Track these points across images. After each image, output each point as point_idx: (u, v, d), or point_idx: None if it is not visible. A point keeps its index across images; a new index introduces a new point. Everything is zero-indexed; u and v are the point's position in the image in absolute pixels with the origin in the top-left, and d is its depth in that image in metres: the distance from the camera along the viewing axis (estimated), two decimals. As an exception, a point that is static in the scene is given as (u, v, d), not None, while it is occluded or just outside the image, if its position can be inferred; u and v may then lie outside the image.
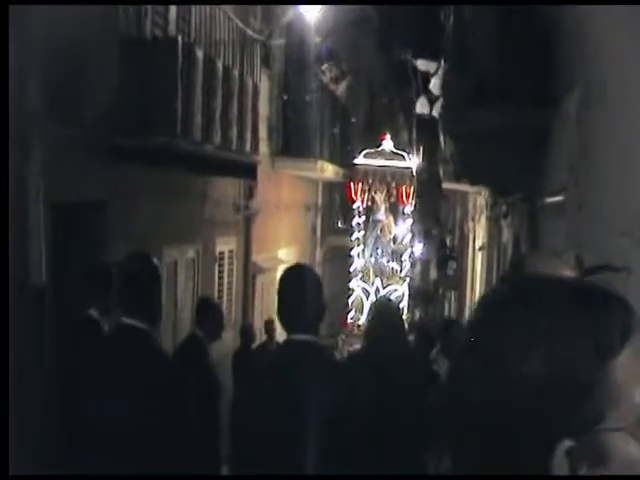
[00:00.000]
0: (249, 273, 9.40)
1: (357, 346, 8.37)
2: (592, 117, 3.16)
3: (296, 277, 2.89)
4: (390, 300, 5.03)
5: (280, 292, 2.86)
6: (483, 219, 9.04)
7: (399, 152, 12.94)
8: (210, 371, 4.80)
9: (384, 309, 4.15)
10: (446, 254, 14.49)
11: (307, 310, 2.75)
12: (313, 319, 2.79)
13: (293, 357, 2.72)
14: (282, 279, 2.91)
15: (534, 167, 4.74)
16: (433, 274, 17.13)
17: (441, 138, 7.15)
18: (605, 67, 2.98)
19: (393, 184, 12.29)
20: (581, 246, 2.58)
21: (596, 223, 2.79)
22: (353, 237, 12.44)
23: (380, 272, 12.31)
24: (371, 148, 12.80)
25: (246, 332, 7.50)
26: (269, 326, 7.99)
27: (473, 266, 10.61)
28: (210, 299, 6.00)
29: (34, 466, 3.13)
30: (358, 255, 12.30)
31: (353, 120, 13.05)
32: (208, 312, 5.38)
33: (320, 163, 11.28)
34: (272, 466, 2.58)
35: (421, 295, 13.90)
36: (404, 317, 11.56)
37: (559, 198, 3.73)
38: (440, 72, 8.89)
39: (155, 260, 3.25)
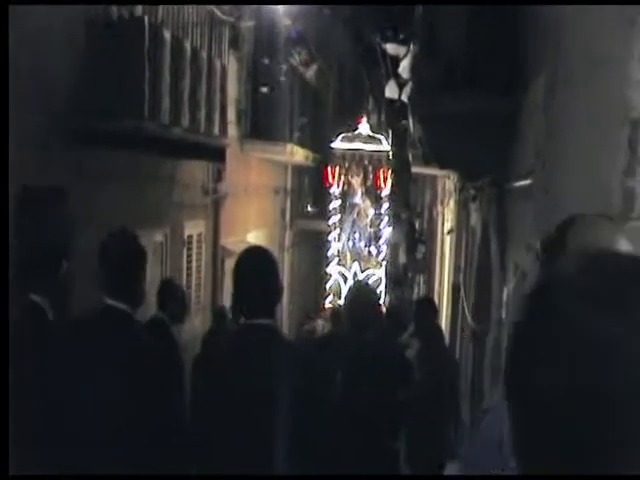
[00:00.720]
0: (218, 257, 9.37)
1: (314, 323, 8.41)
2: (558, 102, 3.19)
3: (251, 260, 2.83)
4: (367, 284, 5.05)
5: (235, 276, 2.80)
6: (452, 203, 9.10)
7: (376, 136, 12.90)
8: (174, 354, 4.77)
9: (361, 293, 4.14)
10: (415, 238, 14.57)
11: (264, 294, 2.72)
12: (270, 303, 2.76)
13: (251, 342, 2.68)
14: (237, 263, 2.85)
15: (502, 151, 4.77)
16: (403, 258, 17.23)
17: (410, 122, 7.17)
18: (570, 52, 3.00)
19: (370, 168, 12.26)
20: (548, 229, 2.61)
21: (562, 206, 2.82)
22: (330, 221, 12.39)
23: (358, 256, 12.31)
24: (346, 131, 12.75)
25: (218, 313, 7.48)
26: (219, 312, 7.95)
27: (442, 250, 10.69)
28: (172, 281, 5.98)
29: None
30: (335, 239, 12.26)
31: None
32: (171, 294, 5.36)
33: (290, 146, 11.24)
34: (235, 452, 2.56)
35: (392, 279, 13.97)
36: (381, 301, 11.61)
37: (526, 182, 3.77)
38: (409, 56, 8.87)
39: (140, 241, 3.19)
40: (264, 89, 11.12)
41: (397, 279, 14.04)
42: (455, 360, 6.35)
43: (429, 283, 12.53)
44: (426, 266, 12.95)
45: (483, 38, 4.85)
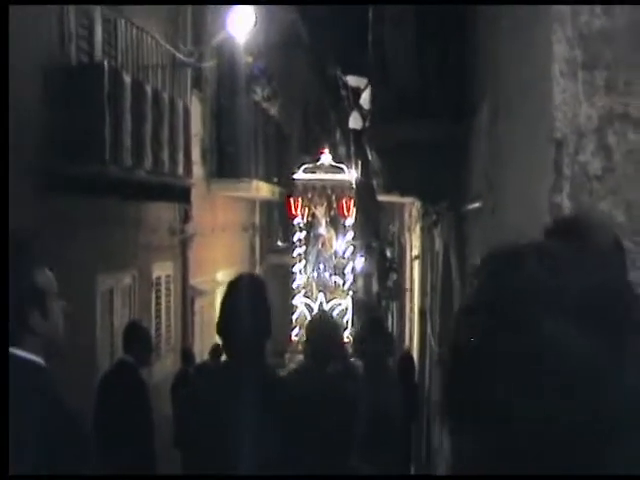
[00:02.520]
0: (187, 297, 9.37)
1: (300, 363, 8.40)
2: (499, 127, 3.31)
3: (240, 291, 2.67)
4: (327, 315, 5.02)
5: (223, 308, 2.67)
6: (418, 229, 9.23)
7: (338, 165, 13.05)
8: (142, 395, 4.77)
9: (321, 324, 4.12)
10: (386, 266, 14.68)
11: (252, 328, 2.58)
12: (259, 337, 2.63)
13: (236, 378, 2.57)
14: (226, 293, 2.70)
15: (455, 177, 4.90)
16: (375, 287, 17.33)
17: (368, 152, 7.32)
18: (506, 78, 3.13)
19: (333, 197, 12.34)
20: (493, 249, 2.70)
21: (505, 226, 2.92)
22: (295, 253, 12.42)
23: (323, 287, 12.34)
24: (308, 163, 12.88)
25: (186, 354, 7.47)
26: (215, 352, 7.92)
27: (411, 276, 10.80)
28: (138, 323, 5.98)
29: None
30: (300, 271, 12.28)
31: (283, 145, 13.07)
32: (137, 337, 5.36)
33: (255, 183, 11.34)
34: None
35: (364, 308, 14.03)
36: (345, 331, 11.61)
37: (477, 205, 3.88)
38: (369, 87, 9.06)
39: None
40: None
41: (369, 309, 14.11)
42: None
43: (401, 310, 12.61)
44: (398, 293, 13.05)
45: (432, 68, 5.00)
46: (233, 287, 2.70)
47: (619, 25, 2.20)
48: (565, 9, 2.29)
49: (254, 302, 2.61)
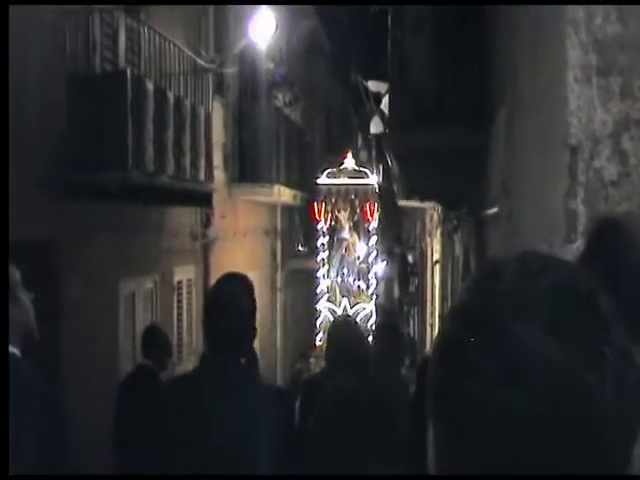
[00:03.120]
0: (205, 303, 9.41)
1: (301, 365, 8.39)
2: (516, 133, 3.32)
3: (226, 290, 2.62)
4: (349, 316, 4.97)
5: (206, 306, 2.64)
6: (438, 234, 9.22)
7: (362, 169, 13.02)
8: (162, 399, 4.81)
9: (342, 327, 4.09)
10: (408, 271, 14.64)
11: (235, 328, 2.51)
12: (242, 337, 2.56)
13: (216, 376, 2.52)
14: (212, 291, 2.66)
15: (475, 182, 4.90)
16: (396, 292, 17.29)
17: (387, 157, 7.33)
18: (523, 84, 3.14)
19: (357, 202, 12.31)
20: (509, 254, 2.70)
21: (520, 231, 2.92)
22: (318, 258, 12.41)
23: (347, 291, 12.28)
24: (332, 167, 12.88)
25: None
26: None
27: (432, 281, 10.78)
28: (157, 328, 6.02)
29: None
30: (324, 276, 12.27)
31: (305, 150, 13.11)
32: (156, 341, 5.39)
33: (277, 187, 11.39)
34: None
35: (384, 313, 14.02)
36: (369, 336, 11.58)
37: (494, 210, 3.88)
38: (390, 93, 9.07)
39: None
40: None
41: (391, 313, 14.07)
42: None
43: (422, 315, 12.57)
44: (419, 298, 13.00)
45: (450, 75, 5.02)
46: (218, 286, 2.69)
47: (633, 31, 2.21)
48: (579, 14, 2.30)
49: (239, 301, 2.58)
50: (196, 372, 2.70)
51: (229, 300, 2.56)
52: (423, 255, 12.82)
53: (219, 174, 9.85)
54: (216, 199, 9.09)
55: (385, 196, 13.82)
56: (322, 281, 12.24)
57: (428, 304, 11.29)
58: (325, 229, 12.36)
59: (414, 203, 8.29)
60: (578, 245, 1.56)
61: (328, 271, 12.31)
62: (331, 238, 12.40)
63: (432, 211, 10.11)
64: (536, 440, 0.59)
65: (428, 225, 11.32)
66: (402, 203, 9.60)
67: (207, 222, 9.64)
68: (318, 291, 12.24)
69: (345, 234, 12.52)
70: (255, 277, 12.01)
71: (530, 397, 0.60)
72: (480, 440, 0.61)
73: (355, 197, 12.34)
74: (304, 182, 13.11)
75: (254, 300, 2.65)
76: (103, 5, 6.65)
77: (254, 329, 2.65)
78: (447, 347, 0.66)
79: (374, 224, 12.43)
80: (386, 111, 10.24)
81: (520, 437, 0.60)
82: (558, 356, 0.60)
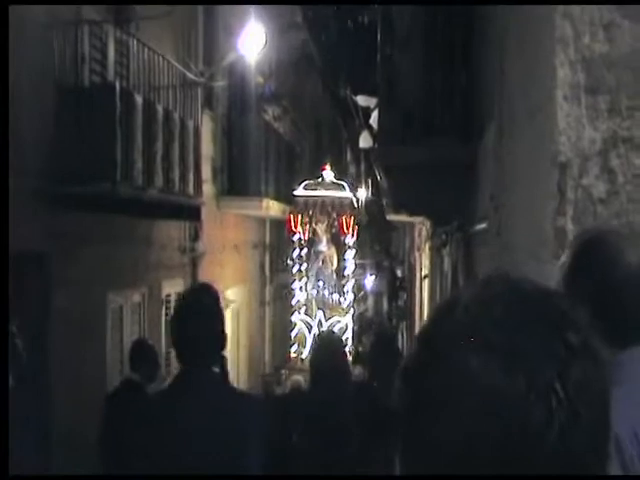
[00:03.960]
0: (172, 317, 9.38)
1: (297, 377, 8.38)
2: (505, 149, 3.34)
3: (192, 302, 2.61)
4: (333, 333, 4.96)
5: (174, 319, 2.63)
6: (427, 249, 9.24)
7: (339, 182, 13.00)
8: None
9: (326, 343, 4.10)
10: (396, 285, 14.65)
11: (204, 339, 2.51)
12: (211, 349, 2.55)
13: (189, 390, 2.50)
14: (177, 304, 2.65)
15: (463, 197, 4.92)
16: (386, 306, 17.29)
17: (376, 171, 7.36)
18: (513, 102, 3.16)
19: (334, 214, 12.27)
20: (499, 270, 2.71)
21: (510, 247, 2.93)
22: (294, 270, 12.35)
23: (323, 304, 12.24)
24: (309, 179, 12.87)
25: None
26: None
27: (421, 295, 10.79)
28: (144, 342, 5.99)
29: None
30: (300, 288, 12.20)
31: (294, 164, 13.17)
32: (143, 355, 5.37)
33: (266, 201, 11.39)
34: None
35: (373, 327, 14.01)
36: (347, 349, 11.55)
37: (483, 226, 3.89)
38: (379, 107, 9.11)
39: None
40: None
41: (377, 326, 14.06)
42: None
43: (410, 329, 12.57)
44: (407, 313, 13.00)
45: (440, 90, 5.04)
46: (186, 298, 2.70)
47: (620, 50, 2.23)
48: (567, 32, 2.32)
49: (207, 311, 2.58)
50: (172, 386, 2.66)
51: (197, 311, 2.56)
52: (412, 270, 12.83)
53: (208, 188, 9.84)
54: (205, 213, 9.08)
55: (374, 210, 13.84)
56: (298, 293, 12.20)
57: (417, 318, 11.30)
58: (303, 241, 12.32)
59: (403, 217, 8.30)
60: (563, 258, 1.57)
61: (305, 284, 12.28)
62: (309, 250, 12.35)
63: (421, 225, 10.13)
64: (491, 464, 0.60)
65: (417, 240, 11.34)
66: (391, 217, 9.62)
67: (195, 236, 9.62)
68: (293, 303, 12.20)
69: (322, 247, 12.47)
70: (244, 291, 11.99)
71: (480, 424, 0.60)
72: (437, 464, 0.62)
73: (332, 210, 12.29)
74: (285, 195, 13.16)
75: (221, 307, 2.66)
76: (92, 19, 6.65)
77: (224, 337, 2.65)
78: (408, 369, 0.67)
79: (351, 238, 12.38)
80: (375, 125, 10.28)
81: (475, 460, 0.60)
82: (506, 390, 0.60)
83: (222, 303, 2.70)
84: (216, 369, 2.63)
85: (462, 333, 0.63)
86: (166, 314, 8.70)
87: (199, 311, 2.55)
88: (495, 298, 0.65)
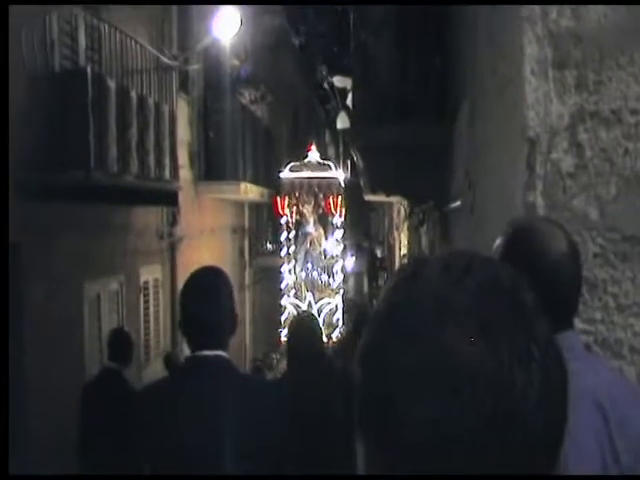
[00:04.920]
0: (176, 301, 9.38)
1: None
2: (478, 127, 3.34)
3: (200, 283, 2.47)
4: (309, 315, 4.93)
5: (182, 301, 2.48)
6: (406, 228, 9.27)
7: (325, 162, 12.93)
8: (131, 400, 4.76)
9: (301, 325, 4.10)
10: (376, 265, 14.68)
11: (214, 322, 2.40)
12: (221, 332, 2.43)
13: (198, 375, 2.40)
14: (184, 286, 2.51)
15: (438, 175, 4.93)
16: (366, 286, 17.36)
17: (352, 152, 7.35)
18: (483, 79, 3.16)
19: (321, 195, 12.19)
20: (473, 247, 2.73)
21: (483, 224, 2.94)
22: (282, 253, 12.28)
23: (312, 286, 12.20)
24: (295, 160, 12.79)
25: (169, 359, 7.45)
26: (169, 359, 7.80)
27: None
28: (122, 330, 5.95)
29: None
30: (289, 271, 12.14)
31: (272, 146, 13.12)
32: (121, 343, 5.34)
33: (244, 185, 11.34)
34: None
35: (355, 308, 14.06)
36: (335, 330, 11.56)
37: (458, 204, 3.90)
38: (353, 88, 9.09)
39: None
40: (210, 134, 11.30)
41: (359, 307, 14.12)
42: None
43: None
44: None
45: (413, 70, 5.03)
46: (194, 281, 2.53)
47: (586, 26, 2.23)
48: (535, 10, 2.32)
49: (217, 295, 2.46)
50: (184, 373, 2.53)
51: (211, 294, 2.45)
52: (391, 249, 12.86)
53: (185, 172, 9.78)
54: (182, 198, 9.03)
55: (352, 191, 13.84)
56: (287, 276, 12.15)
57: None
58: (290, 224, 12.26)
59: (381, 198, 8.32)
60: (496, 245, 1.57)
61: (294, 267, 12.23)
62: (296, 233, 12.30)
63: (399, 205, 10.16)
64: (465, 445, 0.58)
65: (395, 219, 11.37)
66: (369, 198, 9.63)
67: (173, 221, 9.57)
68: (283, 286, 12.14)
69: (310, 228, 12.42)
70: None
71: (457, 403, 0.58)
72: (404, 450, 0.59)
73: (319, 190, 12.22)
74: (271, 179, 13.08)
75: (232, 290, 2.53)
76: (61, 3, 6.54)
77: (237, 319, 2.55)
78: (369, 352, 0.63)
79: (339, 218, 12.33)
80: (352, 106, 10.26)
81: (449, 442, 0.58)
82: (485, 358, 0.58)
83: (231, 283, 2.56)
84: (225, 353, 2.45)
85: (432, 305, 0.60)
86: (145, 301, 8.66)
87: (209, 292, 2.43)
88: (463, 268, 0.63)
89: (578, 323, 2.12)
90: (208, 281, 2.49)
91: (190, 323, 2.44)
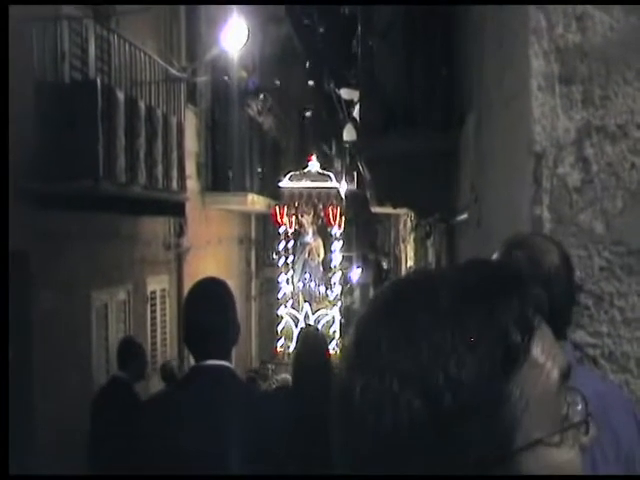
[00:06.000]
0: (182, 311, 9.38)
1: (285, 375, 8.36)
2: (484, 140, 3.35)
3: (204, 293, 2.49)
4: (317, 330, 4.93)
5: (185, 312, 2.50)
6: (412, 240, 9.27)
7: (325, 173, 12.89)
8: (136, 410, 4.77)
9: (309, 339, 4.10)
10: (382, 277, 14.69)
11: (217, 332, 2.40)
12: (225, 342, 2.44)
13: (201, 385, 2.39)
14: (187, 297, 2.54)
15: (445, 188, 4.93)
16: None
17: (359, 164, 7.37)
18: (490, 90, 3.17)
19: (320, 206, 12.16)
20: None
21: (490, 237, 2.95)
22: (280, 263, 12.22)
23: (309, 297, 12.12)
24: (294, 170, 12.78)
25: (165, 370, 7.44)
26: (165, 369, 7.78)
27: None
28: (132, 339, 5.98)
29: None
30: (287, 281, 12.07)
31: (279, 158, 13.15)
32: (130, 353, 5.36)
33: (251, 196, 11.38)
34: None
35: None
36: (331, 345, 11.49)
37: (464, 216, 3.91)
38: (360, 99, 9.11)
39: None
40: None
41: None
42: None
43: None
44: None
45: (420, 81, 5.05)
46: (197, 291, 2.55)
47: (592, 41, 2.25)
48: (542, 23, 2.34)
49: (220, 305, 2.46)
50: (188, 384, 2.54)
51: (213, 304, 2.45)
52: (398, 261, 12.86)
53: (192, 183, 9.82)
54: (189, 208, 9.06)
55: (360, 203, 13.85)
56: (284, 286, 12.09)
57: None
58: (289, 233, 12.21)
59: (387, 210, 8.33)
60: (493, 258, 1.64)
61: (292, 277, 12.16)
62: (295, 242, 12.25)
63: (406, 217, 10.17)
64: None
65: (402, 231, 11.37)
66: (375, 210, 9.64)
67: (180, 232, 9.60)
68: (280, 296, 12.08)
69: (308, 238, 12.36)
70: (229, 286, 11.92)
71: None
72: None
73: (318, 201, 12.16)
74: (277, 190, 13.13)
75: (233, 298, 2.54)
76: (72, 14, 6.60)
77: (238, 328, 2.54)
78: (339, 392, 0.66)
79: (337, 229, 12.25)
80: (358, 118, 10.29)
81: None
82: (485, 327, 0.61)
83: (233, 294, 2.56)
84: (229, 364, 2.46)
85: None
86: (152, 311, 8.68)
87: (212, 302, 2.44)
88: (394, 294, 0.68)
89: (584, 336, 2.13)
90: (211, 291, 2.51)
91: (193, 332, 2.45)
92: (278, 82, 15.10)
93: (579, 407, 0.65)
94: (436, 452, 0.60)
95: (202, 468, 2.32)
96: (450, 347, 0.61)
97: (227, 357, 2.46)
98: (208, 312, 2.41)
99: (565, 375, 0.65)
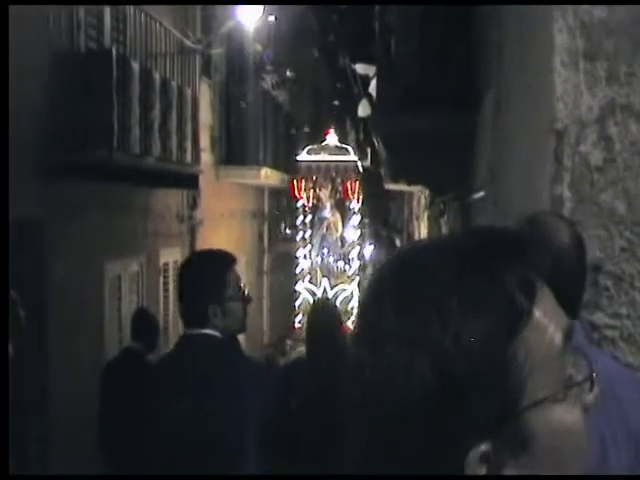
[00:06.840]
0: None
1: (301, 348, 8.37)
2: (502, 117, 3.31)
3: (196, 264, 2.59)
4: (328, 299, 4.94)
5: (179, 281, 2.57)
6: (426, 218, 9.24)
7: (343, 146, 12.70)
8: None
9: (320, 309, 4.12)
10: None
11: (206, 299, 2.43)
12: (205, 311, 2.44)
13: (189, 353, 2.44)
14: (181, 267, 2.62)
15: (462, 167, 4.90)
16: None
17: (374, 140, 7.33)
18: (510, 69, 3.13)
19: (338, 180, 11.99)
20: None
21: (508, 216, 2.92)
22: (298, 237, 12.10)
23: (327, 272, 12.02)
24: (312, 144, 12.62)
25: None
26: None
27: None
28: (146, 310, 6.01)
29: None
30: (305, 256, 11.95)
31: (293, 132, 13.11)
32: (144, 324, 5.39)
33: (264, 170, 11.33)
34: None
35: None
36: (350, 318, 11.49)
37: (481, 194, 3.88)
38: (377, 76, 9.04)
39: None
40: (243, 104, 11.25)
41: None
42: None
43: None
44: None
45: (437, 59, 5.00)
46: (192, 260, 2.70)
47: (619, 16, 2.20)
48: (567, -1, 2.29)
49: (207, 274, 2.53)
50: (174, 351, 2.64)
51: (193, 274, 2.53)
52: (410, 238, 12.83)
53: (206, 156, 9.80)
54: (203, 181, 9.05)
55: (374, 179, 13.79)
56: (302, 261, 11.96)
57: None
58: (307, 208, 12.06)
59: (401, 186, 8.29)
60: None
61: (310, 251, 12.02)
62: (313, 217, 12.13)
63: (420, 195, 10.13)
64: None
65: (415, 209, 11.33)
66: (389, 186, 9.61)
67: (194, 204, 9.60)
68: (297, 272, 11.98)
69: (326, 213, 12.22)
70: (241, 260, 11.96)
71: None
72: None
73: (336, 174, 11.97)
74: (291, 165, 13.05)
75: (230, 273, 2.56)
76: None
77: (223, 299, 2.54)
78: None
79: (356, 203, 12.07)
80: (374, 94, 10.21)
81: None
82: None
83: (228, 267, 2.57)
84: (215, 332, 2.46)
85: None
86: (164, 283, 8.71)
87: (206, 270, 2.50)
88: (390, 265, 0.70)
89: (603, 317, 2.11)
90: (204, 260, 2.62)
91: (185, 300, 2.54)
92: (291, 70, 14.94)
93: (583, 365, 0.67)
94: (445, 414, 0.61)
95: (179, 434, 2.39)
96: (456, 312, 0.62)
97: (211, 326, 2.47)
98: (198, 280, 2.49)
99: (568, 336, 0.66)
